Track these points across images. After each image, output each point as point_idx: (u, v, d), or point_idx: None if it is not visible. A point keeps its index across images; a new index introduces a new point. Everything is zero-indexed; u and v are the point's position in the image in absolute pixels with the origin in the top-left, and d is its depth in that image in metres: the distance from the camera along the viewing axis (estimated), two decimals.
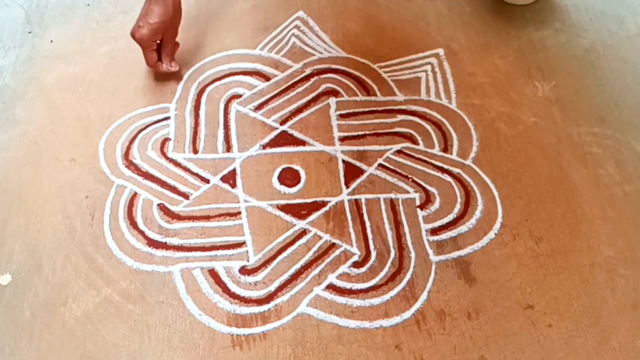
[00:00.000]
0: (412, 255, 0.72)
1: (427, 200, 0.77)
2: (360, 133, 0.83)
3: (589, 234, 0.74)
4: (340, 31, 0.95)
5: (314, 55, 0.92)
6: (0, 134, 0.84)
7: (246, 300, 0.70)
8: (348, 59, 0.91)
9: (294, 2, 0.99)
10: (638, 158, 0.80)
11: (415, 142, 0.82)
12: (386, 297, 0.70)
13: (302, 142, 0.83)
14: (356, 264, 0.72)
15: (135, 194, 0.78)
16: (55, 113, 0.86)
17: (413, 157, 0.81)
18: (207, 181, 0.79)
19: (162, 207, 0.77)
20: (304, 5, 0.98)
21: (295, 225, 0.75)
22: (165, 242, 0.74)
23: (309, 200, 0.77)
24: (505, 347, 0.66)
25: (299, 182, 0.79)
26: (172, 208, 0.77)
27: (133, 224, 0.76)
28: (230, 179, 0.79)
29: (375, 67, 0.90)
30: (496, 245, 0.73)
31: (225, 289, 0.71)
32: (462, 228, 0.75)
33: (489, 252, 0.73)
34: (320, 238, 0.74)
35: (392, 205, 0.77)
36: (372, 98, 0.87)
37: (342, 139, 0.83)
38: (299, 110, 0.86)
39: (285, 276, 0.71)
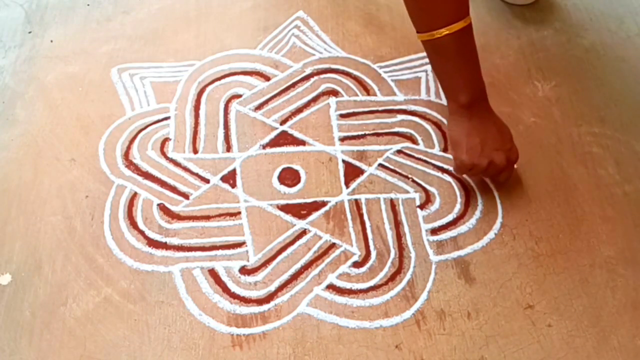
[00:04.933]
0: (412, 255, 0.72)
1: (427, 200, 0.77)
2: (360, 133, 0.83)
3: (589, 234, 0.74)
4: (340, 31, 0.95)
5: (314, 55, 0.92)
6: (0, 134, 0.84)
7: (246, 300, 0.70)
8: (348, 59, 0.91)
9: (294, 2, 0.99)
10: (638, 158, 0.80)
11: (415, 142, 0.82)
12: (386, 297, 0.70)
13: (302, 142, 0.83)
14: (356, 264, 0.72)
15: (135, 194, 0.78)
16: (55, 113, 0.86)
17: (413, 157, 0.81)
18: (207, 181, 0.79)
19: (162, 207, 0.77)
20: (304, 5, 0.98)
21: (295, 225, 0.75)
22: (165, 242, 0.74)
23: (309, 200, 0.77)
24: (505, 347, 0.66)
25: (299, 182, 0.79)
26: (172, 208, 0.77)
27: (133, 224, 0.76)
28: (230, 178, 0.79)
29: (375, 67, 0.90)
30: (496, 245, 0.73)
31: (225, 289, 0.71)
32: (462, 228, 0.75)
33: (489, 252, 0.73)
34: (320, 238, 0.74)
35: (392, 205, 0.77)
36: (372, 98, 0.87)
37: (342, 139, 0.83)
38: (299, 110, 0.86)
39: (285, 276, 0.71)
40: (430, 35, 0.69)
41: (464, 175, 0.78)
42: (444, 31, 0.67)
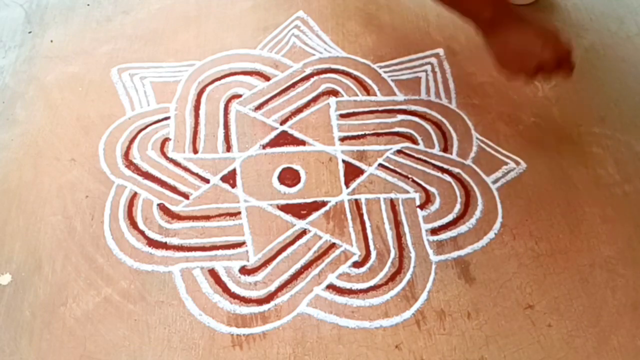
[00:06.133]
0: (412, 255, 0.72)
1: (427, 200, 0.77)
2: (360, 133, 0.83)
3: (589, 234, 0.74)
4: (340, 31, 0.95)
5: (314, 55, 0.92)
6: (0, 134, 0.84)
7: (246, 300, 0.70)
8: (348, 59, 0.91)
9: (294, 2, 0.99)
10: (638, 158, 0.80)
11: (415, 142, 0.82)
12: (386, 297, 0.70)
13: (302, 142, 0.83)
14: (356, 264, 0.72)
15: (135, 194, 0.78)
16: (55, 113, 0.86)
17: (413, 157, 0.81)
18: (207, 181, 0.79)
19: (162, 207, 0.77)
20: (304, 5, 0.98)
21: (295, 225, 0.75)
22: (165, 242, 0.74)
23: (309, 200, 0.77)
24: (505, 347, 0.66)
25: (299, 182, 0.79)
26: (172, 208, 0.77)
27: (133, 224, 0.76)
28: (230, 178, 0.79)
29: (375, 67, 0.90)
30: (496, 245, 0.73)
31: (225, 289, 0.71)
32: (462, 228, 0.75)
33: (489, 252, 0.73)
34: (320, 238, 0.74)
35: (392, 205, 0.77)
36: (372, 98, 0.87)
37: (342, 139, 0.83)
38: (299, 110, 0.86)
39: (285, 276, 0.71)
40: None
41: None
42: None
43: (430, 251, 0.73)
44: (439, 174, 0.79)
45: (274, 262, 0.72)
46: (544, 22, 0.73)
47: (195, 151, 0.82)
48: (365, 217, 0.76)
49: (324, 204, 0.77)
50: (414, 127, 0.84)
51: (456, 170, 0.79)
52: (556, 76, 0.74)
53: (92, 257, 0.73)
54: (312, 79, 0.89)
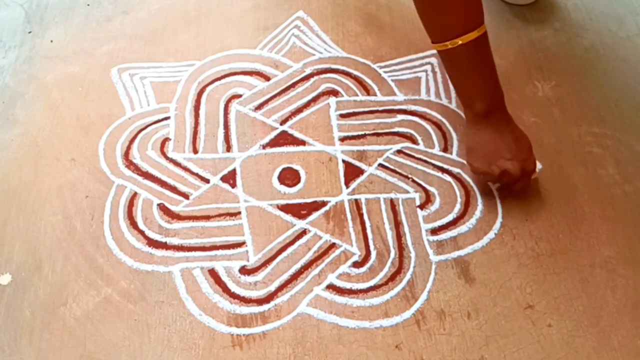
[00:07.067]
0: (412, 255, 0.72)
1: (427, 200, 0.77)
2: (360, 133, 0.83)
3: (589, 234, 0.74)
4: (340, 31, 0.95)
5: (314, 55, 0.92)
6: (0, 134, 0.84)
7: (246, 300, 0.70)
8: (348, 59, 0.91)
9: (294, 2, 0.99)
10: (638, 158, 0.80)
11: (415, 142, 0.82)
12: (386, 297, 0.70)
13: (302, 142, 0.83)
14: (356, 264, 0.72)
15: (135, 194, 0.78)
16: (55, 113, 0.86)
17: (413, 157, 0.81)
18: (207, 181, 0.79)
19: (162, 207, 0.77)
20: (304, 5, 0.98)
21: (295, 225, 0.75)
22: (165, 242, 0.74)
23: (309, 200, 0.77)
24: (505, 347, 0.66)
25: (299, 182, 0.79)
26: (172, 208, 0.77)
27: (133, 224, 0.76)
28: (230, 178, 0.79)
29: (375, 67, 0.90)
30: (496, 245, 0.73)
31: (225, 289, 0.71)
32: (462, 228, 0.75)
33: (489, 252, 0.73)
34: (320, 238, 0.74)
35: (392, 205, 0.77)
36: (372, 98, 0.87)
37: (342, 139, 0.83)
38: (299, 110, 0.86)
39: (285, 276, 0.71)
40: (444, 45, 0.68)
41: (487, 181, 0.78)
42: (458, 41, 0.66)
43: (430, 251, 0.73)
44: (439, 174, 0.79)
45: (274, 262, 0.72)
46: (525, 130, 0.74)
47: (195, 151, 0.82)
48: (365, 217, 0.76)
49: (324, 204, 0.77)
50: (414, 127, 0.84)
51: (456, 170, 0.80)
52: (512, 188, 0.74)
53: (92, 257, 0.73)
54: (312, 79, 0.89)
